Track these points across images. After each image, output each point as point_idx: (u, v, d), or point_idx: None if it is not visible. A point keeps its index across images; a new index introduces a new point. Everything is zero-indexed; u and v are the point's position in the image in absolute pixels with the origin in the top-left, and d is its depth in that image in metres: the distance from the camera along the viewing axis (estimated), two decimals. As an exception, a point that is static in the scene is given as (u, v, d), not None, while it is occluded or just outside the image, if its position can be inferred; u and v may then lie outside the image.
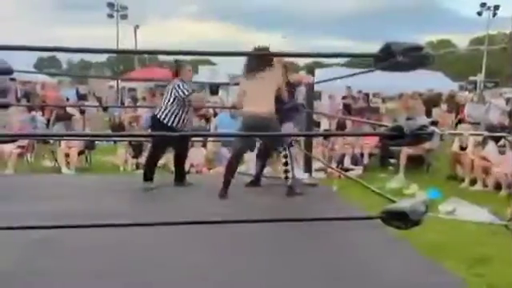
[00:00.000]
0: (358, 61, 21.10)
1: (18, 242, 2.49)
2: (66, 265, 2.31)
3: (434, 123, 8.85)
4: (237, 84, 4.77)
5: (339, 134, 8.04)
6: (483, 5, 24.95)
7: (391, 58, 2.02)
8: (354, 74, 3.37)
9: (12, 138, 6.30)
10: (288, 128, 4.45)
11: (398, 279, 2.35)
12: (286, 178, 4.00)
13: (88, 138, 7.08)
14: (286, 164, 3.98)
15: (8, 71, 4.82)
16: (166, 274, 2.23)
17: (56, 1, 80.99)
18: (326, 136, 7.80)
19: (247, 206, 3.67)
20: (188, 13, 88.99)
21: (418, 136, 1.91)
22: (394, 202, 2.41)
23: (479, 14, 25.39)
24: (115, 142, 9.20)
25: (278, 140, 4.09)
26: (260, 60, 3.91)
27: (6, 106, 4.80)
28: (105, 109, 15.13)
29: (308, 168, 5.05)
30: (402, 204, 2.10)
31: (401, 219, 2.08)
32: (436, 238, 3.98)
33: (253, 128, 3.88)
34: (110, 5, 23.60)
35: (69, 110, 9.81)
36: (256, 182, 4.51)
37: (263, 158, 4.62)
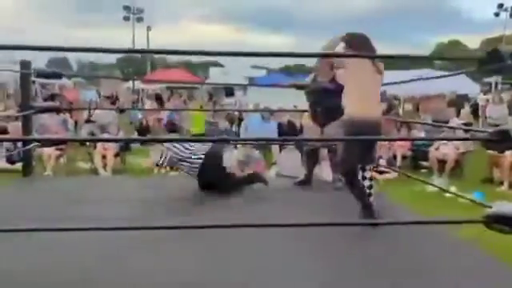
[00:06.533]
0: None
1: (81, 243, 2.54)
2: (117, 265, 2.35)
3: (468, 125, 8.82)
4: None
5: (425, 139, 7.72)
6: (500, 6, 24.85)
7: (499, 62, 2.05)
8: (441, 77, 3.37)
9: (54, 142, 6.37)
10: (332, 129, 4.22)
11: (469, 283, 2.33)
12: (369, 194, 3.17)
13: (122, 141, 7.13)
14: (370, 187, 3.23)
15: (57, 75, 4.87)
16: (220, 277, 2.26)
17: (72, 2, 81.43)
18: (401, 140, 7.65)
19: (303, 207, 3.66)
20: (197, 15, 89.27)
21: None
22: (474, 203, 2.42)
23: (496, 14, 25.29)
24: (142, 143, 9.25)
25: (373, 154, 3.29)
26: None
27: (58, 110, 4.85)
28: (121, 111, 15.24)
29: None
30: (504, 208, 2.12)
31: (505, 223, 2.10)
32: (505, 241, 3.93)
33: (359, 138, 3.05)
34: (126, 8, 23.76)
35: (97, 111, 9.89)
36: (306, 181, 4.52)
37: (315, 159, 4.63)
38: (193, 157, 3.83)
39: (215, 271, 2.32)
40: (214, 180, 3.86)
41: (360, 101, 3.06)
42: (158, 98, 16.14)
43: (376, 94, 3.18)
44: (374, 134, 3.02)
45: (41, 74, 4.59)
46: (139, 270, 2.30)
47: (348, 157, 3.10)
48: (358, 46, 3.08)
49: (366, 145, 3.16)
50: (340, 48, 3.20)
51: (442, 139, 6.57)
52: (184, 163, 3.86)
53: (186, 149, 3.88)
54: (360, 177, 3.16)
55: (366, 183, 3.19)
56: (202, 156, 3.85)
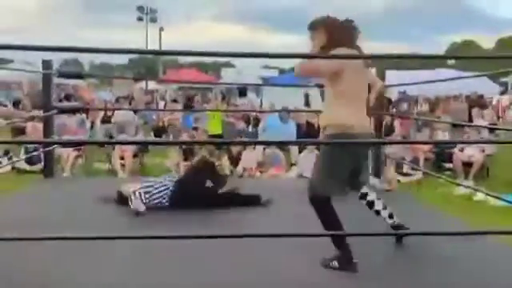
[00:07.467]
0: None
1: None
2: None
3: (494, 124, 8.62)
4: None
5: (462, 142, 7.45)
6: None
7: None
8: (468, 77, 3.18)
9: (75, 143, 6.31)
10: None
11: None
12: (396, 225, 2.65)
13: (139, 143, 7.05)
14: (370, 204, 2.67)
15: (79, 75, 4.86)
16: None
17: (85, 2, 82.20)
18: (452, 143, 7.46)
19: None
20: (211, 15, 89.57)
21: None
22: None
23: (513, 14, 24.88)
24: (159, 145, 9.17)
25: (363, 175, 2.63)
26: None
27: (79, 110, 4.79)
28: (135, 111, 15.22)
29: (378, 172, 4.93)
30: None
31: None
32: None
33: (362, 157, 2.50)
34: (140, 8, 23.81)
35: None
36: None
37: None
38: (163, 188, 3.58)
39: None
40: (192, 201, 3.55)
41: (352, 107, 2.34)
42: (190, 99, 15.64)
43: (366, 96, 2.50)
44: (367, 150, 2.53)
45: (63, 74, 4.53)
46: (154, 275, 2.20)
47: (327, 179, 2.32)
48: (340, 32, 2.48)
49: (358, 164, 2.45)
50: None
51: (482, 142, 6.35)
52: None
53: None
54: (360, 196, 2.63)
55: (370, 198, 2.62)
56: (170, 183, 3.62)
